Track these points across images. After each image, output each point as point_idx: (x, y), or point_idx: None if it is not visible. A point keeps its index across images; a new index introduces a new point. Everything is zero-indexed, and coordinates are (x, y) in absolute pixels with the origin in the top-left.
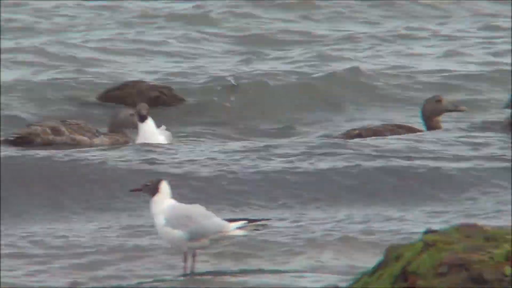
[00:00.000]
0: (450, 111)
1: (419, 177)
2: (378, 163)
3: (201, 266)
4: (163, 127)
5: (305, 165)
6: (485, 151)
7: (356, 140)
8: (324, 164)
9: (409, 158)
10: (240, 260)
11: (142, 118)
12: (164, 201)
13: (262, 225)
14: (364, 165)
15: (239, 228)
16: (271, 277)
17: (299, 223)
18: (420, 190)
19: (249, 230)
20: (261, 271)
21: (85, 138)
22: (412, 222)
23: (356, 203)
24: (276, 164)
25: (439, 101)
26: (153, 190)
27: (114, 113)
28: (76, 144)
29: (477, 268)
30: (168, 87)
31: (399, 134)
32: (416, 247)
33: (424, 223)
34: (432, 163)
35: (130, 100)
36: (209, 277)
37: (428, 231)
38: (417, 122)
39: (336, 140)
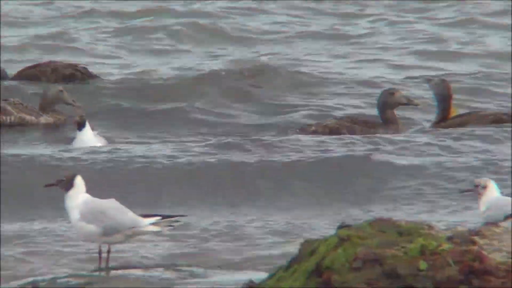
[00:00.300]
0: (404, 104)
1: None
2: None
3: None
4: (96, 132)
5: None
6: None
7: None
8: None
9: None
10: (154, 256)
11: (80, 126)
12: (78, 196)
13: (176, 221)
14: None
15: (154, 224)
16: (187, 272)
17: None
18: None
19: (163, 226)
20: (174, 265)
21: (33, 118)
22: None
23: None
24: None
25: (392, 94)
26: (68, 185)
27: (44, 90)
28: (24, 124)
29: (391, 263)
30: (84, 66)
31: (355, 130)
32: (330, 242)
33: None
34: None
35: (45, 77)
36: (123, 271)
37: (342, 226)
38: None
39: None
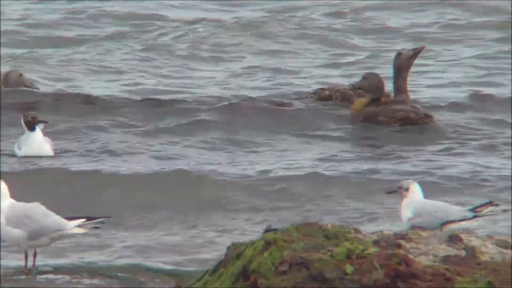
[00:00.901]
0: (415, 56)
1: None
2: None
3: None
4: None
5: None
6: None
7: None
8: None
9: None
10: (81, 258)
11: (32, 127)
12: (4, 201)
13: (101, 222)
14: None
15: (79, 226)
16: (113, 278)
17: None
18: None
19: (89, 228)
20: (108, 267)
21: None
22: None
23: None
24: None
25: (399, 54)
26: None
27: (4, 76)
28: None
29: (318, 267)
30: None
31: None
32: (256, 245)
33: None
34: None
35: None
36: (48, 275)
37: (268, 230)
38: None
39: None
